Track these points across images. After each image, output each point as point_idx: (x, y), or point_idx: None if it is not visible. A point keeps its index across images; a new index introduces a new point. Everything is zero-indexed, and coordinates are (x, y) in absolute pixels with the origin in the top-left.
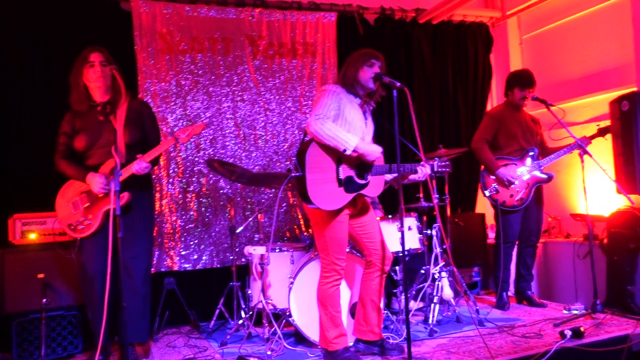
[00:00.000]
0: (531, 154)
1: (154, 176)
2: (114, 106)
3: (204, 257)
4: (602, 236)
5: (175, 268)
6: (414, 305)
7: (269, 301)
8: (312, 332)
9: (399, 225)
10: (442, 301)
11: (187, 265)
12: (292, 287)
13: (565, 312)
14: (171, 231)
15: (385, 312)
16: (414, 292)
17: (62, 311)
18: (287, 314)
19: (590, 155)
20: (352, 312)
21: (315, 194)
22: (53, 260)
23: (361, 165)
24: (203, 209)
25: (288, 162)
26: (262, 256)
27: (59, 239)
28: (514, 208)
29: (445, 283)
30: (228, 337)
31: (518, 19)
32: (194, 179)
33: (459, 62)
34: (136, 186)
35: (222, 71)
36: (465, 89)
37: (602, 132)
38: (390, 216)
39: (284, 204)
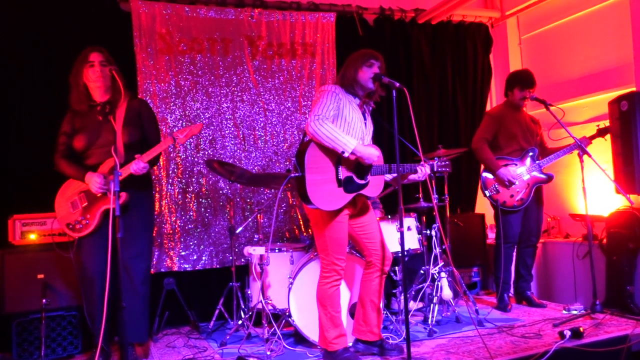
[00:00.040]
0: (531, 154)
1: (153, 177)
2: (114, 106)
3: (203, 258)
4: (602, 236)
5: (175, 268)
6: (413, 305)
7: (269, 301)
8: (311, 332)
9: (398, 226)
10: (441, 301)
11: (186, 266)
12: (291, 288)
13: (564, 312)
14: (171, 231)
15: (385, 312)
16: (413, 293)
17: (62, 311)
18: (287, 314)
19: (590, 156)
20: (352, 312)
21: (314, 195)
22: (53, 261)
23: (359, 167)
24: (202, 209)
25: (287, 163)
26: (261, 256)
27: (57, 240)
28: (514, 208)
29: (444, 283)
30: (227, 337)
31: (517, 19)
32: (193, 180)
33: (458, 63)
34: (134, 186)
35: (221, 72)
36: (464, 89)
37: (601, 133)
38: (389, 216)
39: (284, 205)
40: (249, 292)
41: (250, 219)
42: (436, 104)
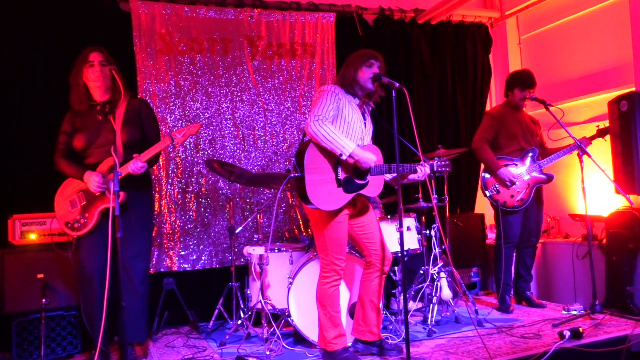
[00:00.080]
0: (531, 154)
1: (153, 177)
2: (114, 106)
3: (203, 258)
4: (601, 237)
5: (175, 268)
6: (413, 305)
7: (268, 301)
8: (311, 332)
9: (398, 226)
10: (441, 302)
11: (186, 266)
12: (291, 288)
13: (564, 312)
14: (170, 232)
15: (384, 312)
16: (413, 293)
17: (62, 311)
18: (287, 314)
19: (590, 156)
20: (351, 312)
21: (314, 195)
22: (53, 261)
23: (356, 171)
24: (202, 209)
25: (287, 163)
26: (261, 257)
27: (57, 240)
28: (515, 209)
29: (444, 284)
30: (227, 337)
31: (517, 19)
32: (193, 180)
33: (458, 63)
34: (132, 186)
35: (221, 72)
36: (464, 90)
37: (601, 133)
38: (389, 217)
39: (283, 205)
40: (248, 292)
41: (250, 219)
42: (436, 104)
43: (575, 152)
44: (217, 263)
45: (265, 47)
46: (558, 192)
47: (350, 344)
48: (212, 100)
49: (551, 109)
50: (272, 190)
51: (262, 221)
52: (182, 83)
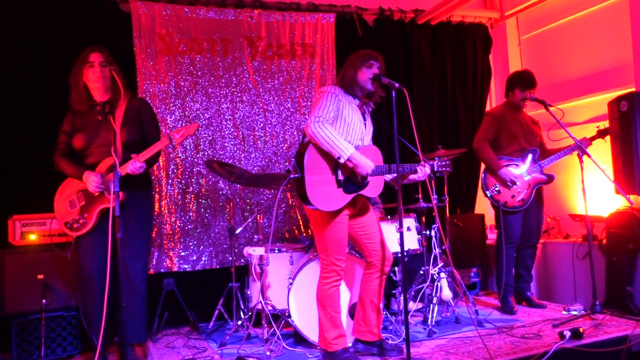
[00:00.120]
0: (532, 154)
1: (153, 177)
2: (113, 106)
3: (203, 258)
4: (601, 237)
5: (175, 269)
6: (413, 306)
7: (268, 302)
8: (311, 332)
9: (398, 226)
10: (441, 302)
11: (186, 266)
12: (291, 288)
13: (564, 312)
14: (170, 232)
15: (384, 312)
16: (413, 293)
17: (62, 312)
18: (287, 314)
19: (590, 157)
20: (351, 312)
21: (314, 195)
22: (53, 261)
23: (353, 174)
24: (202, 209)
25: (287, 163)
26: (261, 257)
27: (56, 240)
28: (516, 209)
29: (444, 284)
30: (227, 337)
31: (517, 19)
32: (193, 180)
33: (458, 63)
34: (131, 186)
35: (221, 72)
36: (464, 90)
37: (601, 134)
38: (389, 217)
39: (283, 205)
40: (248, 293)
41: (249, 220)
42: (436, 105)
43: (575, 153)
44: (217, 263)
45: (265, 47)
46: (558, 192)
47: (350, 344)
48: (212, 100)
49: (551, 109)
50: (272, 191)
51: (262, 221)
52: (182, 83)
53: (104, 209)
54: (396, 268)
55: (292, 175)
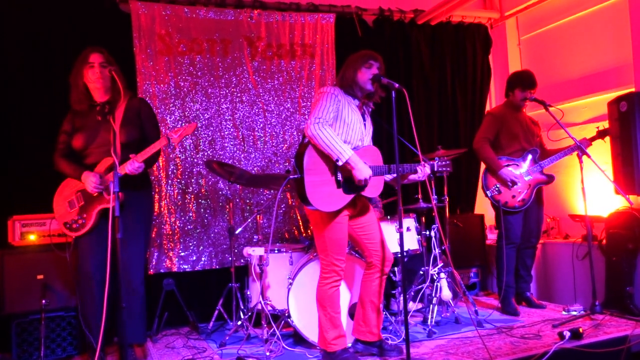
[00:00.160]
0: (532, 155)
1: (152, 177)
2: (113, 106)
3: (203, 258)
4: (601, 237)
5: (174, 269)
6: (412, 306)
7: (268, 302)
8: (311, 333)
9: (398, 226)
10: (440, 302)
11: (186, 267)
12: (291, 288)
13: (564, 313)
14: (170, 232)
15: (384, 313)
16: (412, 293)
17: (62, 312)
18: (286, 314)
19: (590, 157)
20: (351, 313)
21: (313, 196)
22: (52, 262)
23: (349, 178)
24: (202, 210)
25: (287, 164)
26: (261, 257)
27: (55, 240)
28: (516, 209)
29: (444, 284)
30: (227, 338)
31: (516, 19)
32: (192, 180)
33: (458, 63)
34: (130, 186)
35: (220, 72)
36: (464, 90)
37: (601, 135)
38: (389, 217)
39: (283, 205)
40: (248, 293)
41: (249, 220)
42: (435, 105)
43: (575, 153)
44: (217, 264)
45: (265, 47)
46: (558, 192)
47: (350, 344)
48: (212, 100)
49: (551, 109)
50: (272, 191)
51: (261, 222)
52: (182, 84)
53: (103, 210)
54: (396, 268)
55: (291, 176)
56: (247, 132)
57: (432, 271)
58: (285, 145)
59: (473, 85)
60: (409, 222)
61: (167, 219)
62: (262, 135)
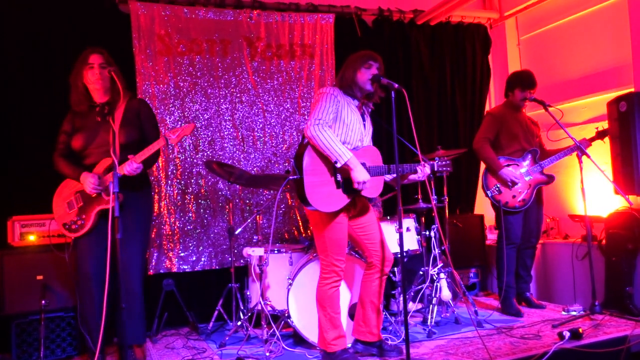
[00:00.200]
0: (532, 155)
1: (152, 178)
2: (113, 107)
3: (202, 259)
4: (601, 237)
5: (174, 269)
6: (412, 306)
7: (268, 302)
8: (310, 333)
9: (397, 227)
10: (440, 302)
11: (185, 267)
12: (290, 289)
13: (563, 313)
14: (170, 233)
15: (384, 313)
16: (412, 294)
17: (61, 313)
18: (286, 315)
19: (589, 157)
20: (351, 313)
21: (313, 196)
22: (52, 262)
23: (349, 179)
24: (202, 210)
25: (286, 164)
26: (260, 257)
27: (55, 241)
28: (516, 209)
29: (443, 284)
30: (227, 338)
31: (516, 20)
32: (192, 181)
33: (457, 63)
34: (129, 187)
35: (220, 73)
36: (463, 90)
37: (600, 135)
38: (388, 217)
39: (283, 206)
40: (248, 293)
41: (249, 220)
42: (435, 105)
43: (575, 153)
44: (217, 264)
45: (264, 48)
46: (557, 192)
47: (349, 345)
48: (211, 101)
49: (550, 109)
50: (272, 191)
51: (261, 222)
52: (181, 84)
53: (102, 210)
54: (396, 268)
55: (291, 177)
56: (246, 132)
57: (432, 271)
58: (285, 146)
59: (473, 85)
60: (409, 223)
61: (167, 220)
62: (261, 135)
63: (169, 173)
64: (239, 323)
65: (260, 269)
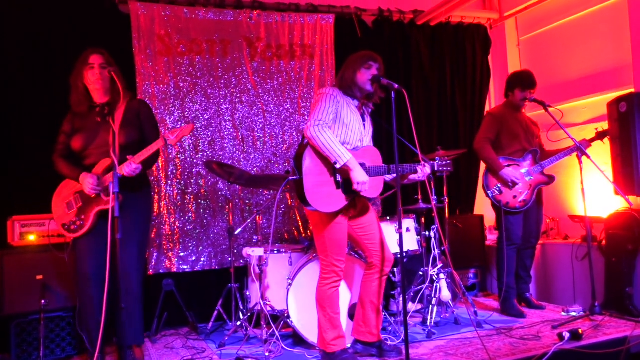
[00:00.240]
0: (533, 155)
1: (152, 178)
2: (113, 107)
3: (202, 259)
4: (601, 238)
5: (174, 269)
6: (412, 307)
7: (268, 303)
8: (310, 333)
9: (397, 227)
10: (440, 303)
11: (185, 267)
12: (290, 289)
13: (563, 314)
14: (170, 233)
15: (384, 313)
16: (412, 294)
17: (61, 312)
18: (286, 315)
19: (589, 157)
20: (351, 313)
21: (312, 197)
22: (52, 262)
23: (348, 179)
24: (201, 210)
25: (286, 164)
26: (260, 258)
27: (54, 241)
28: (517, 209)
29: (443, 285)
30: (226, 338)
31: (516, 20)
32: (192, 181)
33: (457, 64)
34: (128, 187)
35: (220, 73)
36: (463, 91)
37: (600, 136)
38: (388, 217)
39: (283, 206)
40: (247, 293)
41: (249, 220)
42: (435, 105)
43: (575, 154)
44: (216, 264)
45: (264, 48)
46: (557, 193)
47: (349, 345)
48: (211, 101)
49: (550, 110)
50: (271, 192)
51: (261, 222)
52: (181, 84)
53: (101, 211)
54: (395, 269)
55: (291, 177)
56: (246, 132)
57: (432, 272)
58: (285, 146)
59: (472, 85)
60: (409, 223)
61: (167, 220)
62: (261, 135)
63: (169, 173)
64: (239, 323)
65: (260, 269)
